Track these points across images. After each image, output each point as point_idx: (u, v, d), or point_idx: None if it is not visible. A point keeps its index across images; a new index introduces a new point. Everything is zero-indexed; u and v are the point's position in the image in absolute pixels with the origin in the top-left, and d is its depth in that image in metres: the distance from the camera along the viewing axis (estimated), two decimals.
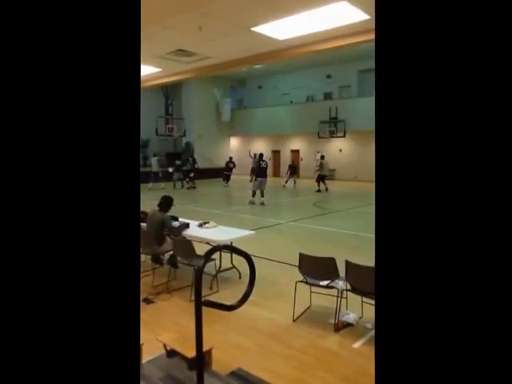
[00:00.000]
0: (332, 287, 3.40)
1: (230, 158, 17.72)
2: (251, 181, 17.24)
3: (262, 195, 11.06)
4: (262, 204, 10.92)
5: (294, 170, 16.47)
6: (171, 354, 2.60)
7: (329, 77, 19.85)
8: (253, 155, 17.53)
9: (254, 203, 11.13)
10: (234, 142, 23.32)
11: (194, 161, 16.73)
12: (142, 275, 3.76)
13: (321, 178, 14.27)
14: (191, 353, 2.29)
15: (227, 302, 2.02)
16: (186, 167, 16.31)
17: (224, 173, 17.26)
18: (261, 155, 11.77)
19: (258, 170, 11.24)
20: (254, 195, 11.22)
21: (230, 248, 2.28)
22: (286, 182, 16.06)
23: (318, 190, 14.15)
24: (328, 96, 19.89)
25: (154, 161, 16.07)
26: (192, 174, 16.07)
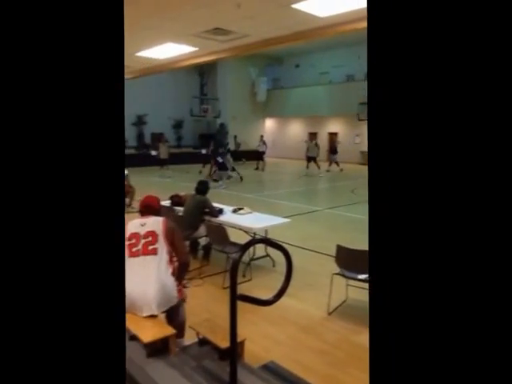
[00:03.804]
0: None
1: (262, 137, 16.68)
2: (308, 167, 16.03)
3: None
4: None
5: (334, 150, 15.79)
6: (203, 342, 2.60)
7: None
8: (309, 139, 16.35)
9: None
10: (269, 124, 23.00)
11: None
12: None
13: None
14: (223, 343, 2.27)
15: (263, 297, 1.97)
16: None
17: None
18: None
19: None
20: None
21: (267, 242, 2.22)
22: (330, 165, 15.57)
23: None
24: None
25: (162, 148, 13.63)
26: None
